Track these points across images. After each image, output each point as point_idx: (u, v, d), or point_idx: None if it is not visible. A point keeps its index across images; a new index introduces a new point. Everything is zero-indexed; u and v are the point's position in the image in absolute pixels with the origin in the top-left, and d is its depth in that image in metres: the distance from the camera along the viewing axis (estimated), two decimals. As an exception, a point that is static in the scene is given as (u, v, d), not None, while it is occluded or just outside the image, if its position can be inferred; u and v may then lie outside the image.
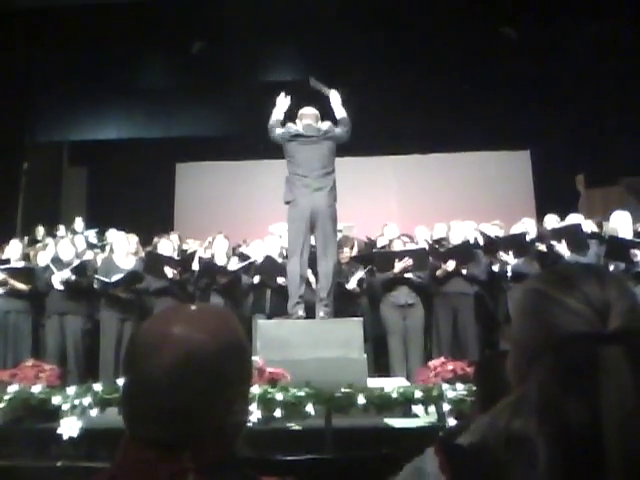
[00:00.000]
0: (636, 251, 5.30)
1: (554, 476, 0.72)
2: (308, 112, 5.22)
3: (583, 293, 0.78)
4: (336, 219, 5.13)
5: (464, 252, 5.97)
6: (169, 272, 6.08)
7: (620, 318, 0.75)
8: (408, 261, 5.85)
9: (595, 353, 0.73)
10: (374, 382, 4.62)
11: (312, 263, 5.19)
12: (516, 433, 0.75)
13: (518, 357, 0.83)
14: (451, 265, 5.87)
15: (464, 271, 5.93)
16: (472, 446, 0.79)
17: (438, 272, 5.94)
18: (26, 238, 8.68)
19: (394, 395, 4.09)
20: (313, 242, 5.20)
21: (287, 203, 5.09)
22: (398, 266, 5.85)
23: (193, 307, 0.96)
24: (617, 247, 5.45)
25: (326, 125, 5.20)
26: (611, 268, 5.50)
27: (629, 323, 0.75)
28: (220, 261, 6.46)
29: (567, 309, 0.77)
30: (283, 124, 5.27)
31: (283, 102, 5.39)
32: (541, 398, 0.75)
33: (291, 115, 5.33)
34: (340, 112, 5.32)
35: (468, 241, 6.16)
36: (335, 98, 5.38)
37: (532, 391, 0.76)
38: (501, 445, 0.75)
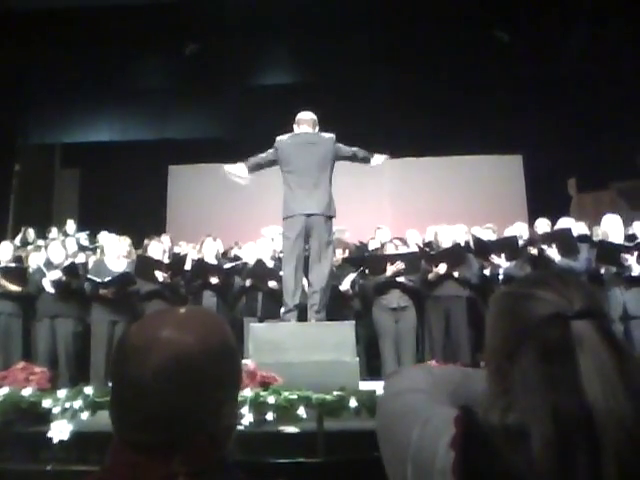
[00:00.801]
0: (626, 255, 5.33)
1: (549, 455, 0.74)
2: (305, 117, 5.16)
3: (552, 287, 0.84)
4: (331, 229, 5.11)
5: (455, 255, 5.98)
6: (159, 276, 6.06)
7: (585, 300, 0.82)
8: (400, 264, 5.85)
9: (568, 329, 0.79)
10: (366, 385, 4.60)
11: (306, 267, 5.18)
12: (512, 427, 0.78)
13: (498, 359, 0.86)
14: (442, 268, 5.88)
15: (456, 274, 5.94)
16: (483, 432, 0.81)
17: (430, 275, 5.95)
18: (18, 238, 8.64)
19: (386, 398, 4.08)
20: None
21: (285, 219, 5.04)
22: (390, 269, 5.86)
23: (182, 310, 0.95)
24: (608, 251, 5.47)
25: (328, 135, 5.15)
26: (602, 272, 5.53)
27: (593, 303, 0.83)
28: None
29: (538, 298, 0.83)
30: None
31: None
32: (527, 382, 0.79)
33: (288, 122, 5.30)
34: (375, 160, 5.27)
35: (459, 244, 6.18)
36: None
37: (517, 379, 0.80)
38: (500, 439, 0.78)
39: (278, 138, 5.13)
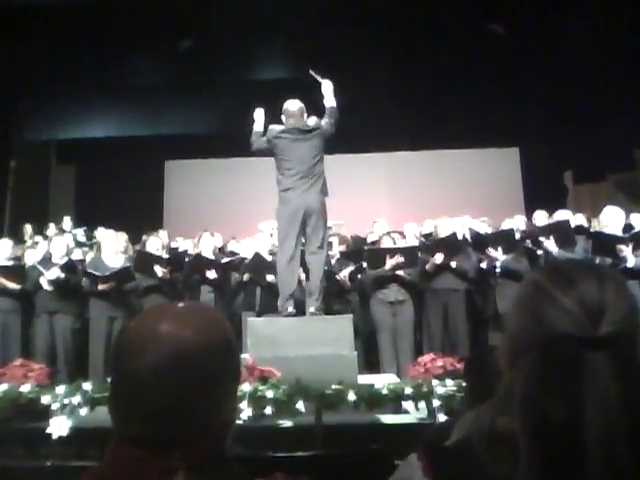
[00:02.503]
0: (622, 247, 5.34)
1: (533, 472, 0.72)
2: (293, 107, 5.13)
3: (579, 293, 0.77)
4: (326, 216, 5.11)
5: (452, 244, 5.98)
6: (159, 271, 6.06)
7: (613, 324, 0.74)
8: (399, 258, 5.86)
9: (581, 357, 0.73)
10: (364, 379, 4.62)
11: (302, 260, 5.19)
12: (500, 431, 0.75)
13: (508, 347, 0.83)
14: (439, 258, 5.89)
15: (453, 264, 5.95)
16: (456, 445, 0.79)
17: (427, 266, 5.96)
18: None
19: (384, 391, 4.10)
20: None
21: (281, 213, 5.02)
22: (389, 263, 5.86)
23: (180, 305, 0.96)
24: (603, 243, 5.49)
25: (313, 121, 5.13)
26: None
27: (621, 329, 0.74)
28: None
29: (560, 308, 0.76)
30: (264, 134, 5.17)
31: (260, 116, 5.30)
32: (524, 392, 0.75)
33: (276, 113, 5.27)
34: (330, 101, 5.20)
35: (455, 234, 6.15)
36: (328, 87, 5.24)
37: (517, 385, 0.76)
38: (485, 443, 0.75)
39: (270, 127, 5.11)
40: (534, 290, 0.82)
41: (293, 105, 5.16)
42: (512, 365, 0.79)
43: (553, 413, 0.72)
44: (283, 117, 5.17)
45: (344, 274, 6.17)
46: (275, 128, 5.10)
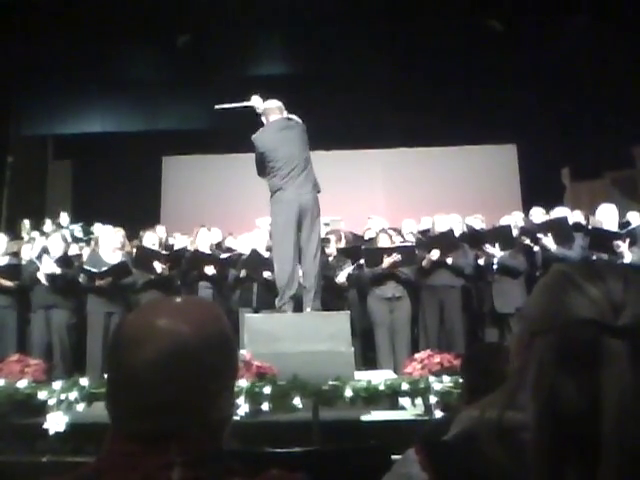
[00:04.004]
0: (619, 242, 5.36)
1: (542, 464, 0.71)
2: (272, 105, 5.13)
3: (606, 286, 0.77)
4: (320, 211, 5.09)
5: (448, 240, 5.99)
6: (158, 267, 6.05)
7: (632, 317, 0.74)
8: (397, 256, 5.86)
9: (599, 342, 0.73)
10: (361, 375, 4.63)
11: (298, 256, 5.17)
12: (509, 425, 0.75)
13: (523, 329, 0.82)
14: (435, 254, 5.89)
15: (449, 260, 5.95)
16: (455, 440, 0.79)
17: (423, 262, 5.96)
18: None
19: (381, 388, 4.11)
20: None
21: (276, 210, 4.99)
22: (387, 261, 5.86)
23: (178, 299, 0.95)
24: (600, 239, 5.52)
25: (297, 118, 5.15)
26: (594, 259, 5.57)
27: (638, 323, 0.74)
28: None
29: (585, 295, 0.77)
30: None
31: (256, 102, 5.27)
32: (537, 376, 0.75)
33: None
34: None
35: (452, 230, 6.15)
36: (257, 102, 5.24)
37: (530, 369, 0.76)
38: (492, 438, 0.74)
39: (253, 137, 5.06)
40: (560, 277, 0.82)
41: (272, 103, 5.16)
42: (526, 349, 0.79)
43: (566, 395, 0.72)
44: (263, 118, 5.15)
45: (342, 278, 6.15)
46: (260, 137, 5.03)
